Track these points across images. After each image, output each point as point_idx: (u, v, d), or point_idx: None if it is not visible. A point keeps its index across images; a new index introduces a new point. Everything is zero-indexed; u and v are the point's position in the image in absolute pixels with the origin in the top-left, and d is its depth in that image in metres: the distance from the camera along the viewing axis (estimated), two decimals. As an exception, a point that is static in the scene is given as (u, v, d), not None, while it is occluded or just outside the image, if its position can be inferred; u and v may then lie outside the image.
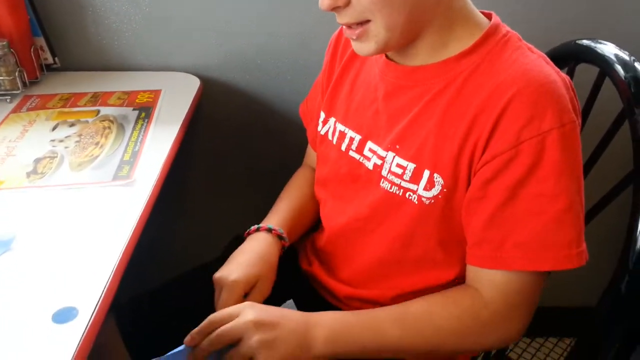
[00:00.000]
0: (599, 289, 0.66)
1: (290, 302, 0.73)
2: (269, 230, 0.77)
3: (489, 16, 0.66)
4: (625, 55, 0.75)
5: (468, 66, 0.62)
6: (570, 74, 0.86)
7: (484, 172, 0.60)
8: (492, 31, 0.63)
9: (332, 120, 0.79)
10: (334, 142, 0.77)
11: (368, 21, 0.60)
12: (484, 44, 0.62)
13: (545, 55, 0.63)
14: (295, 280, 0.83)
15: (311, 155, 0.93)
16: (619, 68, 0.74)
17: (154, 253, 1.22)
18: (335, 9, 0.60)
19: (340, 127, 0.77)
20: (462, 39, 0.63)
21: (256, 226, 0.78)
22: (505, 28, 0.65)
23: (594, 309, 0.66)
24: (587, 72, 0.83)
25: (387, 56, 0.71)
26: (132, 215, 0.71)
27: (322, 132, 0.81)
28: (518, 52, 0.62)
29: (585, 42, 0.83)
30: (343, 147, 0.75)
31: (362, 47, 0.64)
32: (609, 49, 0.78)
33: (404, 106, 0.67)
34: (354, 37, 0.63)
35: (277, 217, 0.81)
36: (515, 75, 0.59)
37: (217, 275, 0.71)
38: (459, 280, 0.69)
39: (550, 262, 0.59)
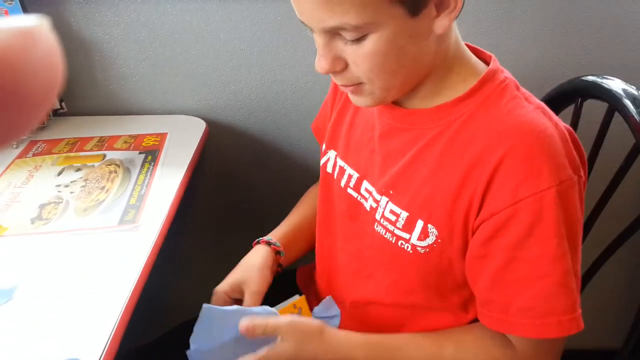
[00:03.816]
0: (623, 330, 0.64)
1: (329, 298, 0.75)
2: (267, 242, 0.82)
3: (488, 58, 0.65)
4: (633, 90, 0.75)
5: (463, 112, 0.61)
6: (578, 110, 0.86)
7: (483, 230, 0.59)
8: (490, 77, 0.61)
9: (332, 153, 0.78)
10: (335, 176, 0.77)
11: (362, 83, 0.60)
12: (480, 90, 0.61)
13: (543, 106, 0.61)
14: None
15: None
16: (628, 103, 0.73)
17: (159, 299, 1.19)
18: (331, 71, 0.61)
19: (340, 162, 0.76)
20: (456, 86, 0.62)
21: (257, 240, 0.83)
22: (504, 74, 0.63)
23: (619, 350, 0.64)
24: (596, 108, 0.82)
25: None
26: (137, 261, 0.70)
27: (322, 164, 0.80)
28: (514, 102, 0.59)
29: (591, 78, 0.83)
30: (342, 184, 0.75)
31: (357, 101, 0.64)
32: (616, 84, 0.78)
33: (398, 148, 0.66)
34: (349, 92, 0.63)
35: (278, 230, 0.86)
36: (509, 128, 0.57)
37: None
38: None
39: (556, 328, 0.57)
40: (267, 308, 0.70)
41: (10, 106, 0.17)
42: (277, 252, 0.81)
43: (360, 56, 0.56)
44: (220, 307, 0.70)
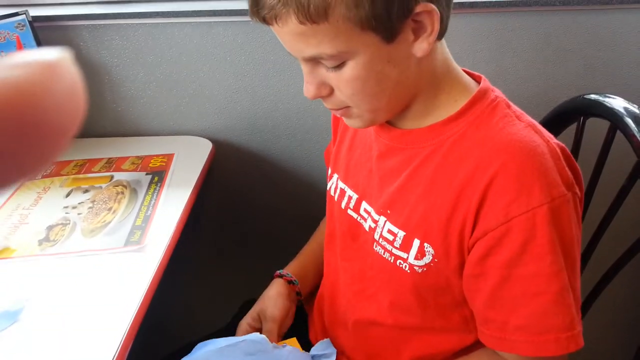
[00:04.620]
0: (629, 350, 0.63)
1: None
2: (279, 275, 0.87)
3: (478, 79, 0.65)
4: (635, 109, 0.76)
5: (455, 132, 0.61)
6: (580, 129, 0.86)
7: (478, 248, 0.59)
8: (480, 96, 0.62)
9: (335, 176, 0.80)
10: (336, 199, 0.78)
11: (350, 106, 0.62)
12: (471, 109, 0.61)
13: (534, 123, 0.61)
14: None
15: None
16: (630, 122, 0.74)
17: (164, 319, 1.20)
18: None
19: (340, 184, 0.77)
20: (447, 105, 0.63)
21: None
22: (494, 93, 0.63)
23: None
24: (598, 127, 0.83)
25: None
26: (142, 282, 0.71)
27: (327, 187, 0.82)
28: (505, 120, 0.60)
29: (593, 96, 0.84)
30: (343, 205, 0.76)
31: (350, 122, 0.66)
32: (618, 103, 0.78)
33: (394, 168, 0.67)
34: (339, 115, 0.65)
35: (295, 261, 0.91)
36: (500, 146, 0.58)
37: None
38: (461, 349, 0.69)
39: (554, 346, 0.57)
40: (258, 335, 0.76)
41: (34, 140, 0.16)
42: (291, 282, 0.86)
43: (342, 82, 0.58)
44: (212, 340, 0.76)
